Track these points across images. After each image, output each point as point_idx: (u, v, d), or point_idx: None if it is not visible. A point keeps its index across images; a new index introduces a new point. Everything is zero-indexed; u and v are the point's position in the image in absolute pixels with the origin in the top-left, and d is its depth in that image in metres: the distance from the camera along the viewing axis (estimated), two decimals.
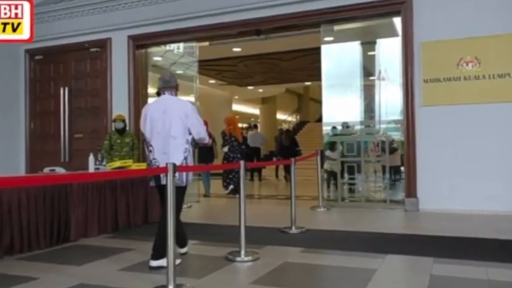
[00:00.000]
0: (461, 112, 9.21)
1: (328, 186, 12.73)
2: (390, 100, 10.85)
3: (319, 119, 16.78)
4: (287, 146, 17.80)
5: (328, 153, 12.10)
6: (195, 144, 5.87)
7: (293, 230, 7.56)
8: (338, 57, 11.43)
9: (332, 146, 11.82)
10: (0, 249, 6.05)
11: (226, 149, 13.02)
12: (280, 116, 35.37)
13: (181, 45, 12.99)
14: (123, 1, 11.96)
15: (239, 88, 27.64)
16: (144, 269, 5.35)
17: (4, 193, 6.11)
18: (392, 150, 11.77)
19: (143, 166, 8.06)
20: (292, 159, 8.35)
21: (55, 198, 6.83)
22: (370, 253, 5.99)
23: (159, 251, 5.26)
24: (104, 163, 9.03)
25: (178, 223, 5.31)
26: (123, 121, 10.42)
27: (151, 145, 5.63)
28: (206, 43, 12.94)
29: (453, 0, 9.40)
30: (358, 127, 11.28)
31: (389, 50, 10.88)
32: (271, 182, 19.40)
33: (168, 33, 11.71)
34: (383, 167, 11.24)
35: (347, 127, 11.21)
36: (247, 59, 19.51)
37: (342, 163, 11.15)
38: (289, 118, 37.42)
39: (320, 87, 11.22)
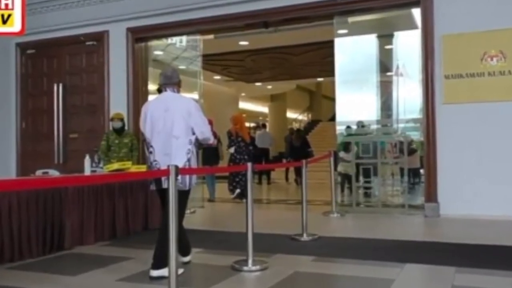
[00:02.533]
0: (485, 110, 9.18)
1: (342, 190, 12.72)
2: (408, 97, 10.83)
3: (332, 118, 16.75)
4: (298, 147, 17.80)
5: (342, 154, 12.09)
6: (199, 144, 5.86)
7: (305, 237, 7.56)
8: (353, 51, 11.40)
9: (346, 147, 11.79)
10: None
11: (232, 150, 13.03)
12: (290, 114, 35.38)
13: (184, 38, 12.97)
14: None
15: (246, 85, 27.66)
16: (144, 279, 5.35)
17: None
18: (411, 151, 11.75)
19: (143, 168, 8.07)
20: (303, 161, 8.34)
21: (48, 203, 6.84)
22: (387, 262, 5.99)
23: (160, 260, 5.26)
24: (101, 165, 9.05)
25: (180, 230, 5.30)
26: (122, 120, 10.43)
27: (151, 146, 5.64)
28: (211, 36, 12.95)
29: None
30: (374, 126, 11.27)
31: (407, 44, 10.87)
32: (281, 186, 19.43)
33: (170, 25, 11.72)
34: (401, 170, 11.19)
35: (363, 126, 11.20)
36: (255, 54, 19.52)
37: (357, 165, 11.15)
38: (300, 117, 37.43)
39: (333, 83, 11.20)
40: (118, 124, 10.35)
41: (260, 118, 34.20)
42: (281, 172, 21.01)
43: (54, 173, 8.68)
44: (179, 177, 4.83)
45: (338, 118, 11.36)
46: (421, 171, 11.60)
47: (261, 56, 20.12)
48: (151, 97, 11.27)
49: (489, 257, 6.29)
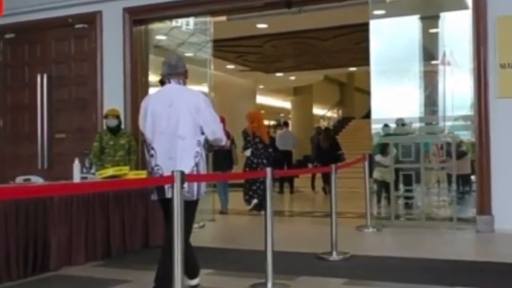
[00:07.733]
0: None
1: (379, 200, 12.73)
2: (457, 90, 10.82)
3: (367, 115, 16.76)
4: (326, 149, 17.83)
5: (378, 158, 12.08)
6: (209, 146, 5.89)
7: (334, 256, 7.57)
8: (391, 36, 11.41)
9: (383, 149, 11.79)
10: None
11: (248, 152, 13.04)
12: (317, 111, 35.35)
13: (191, 20, 13.00)
14: None
15: (265, 75, 27.66)
16: None
17: None
18: (460, 155, 11.73)
19: (142, 174, 8.11)
20: (333, 166, 8.35)
21: (31, 215, 6.86)
22: (433, 286, 6.00)
23: (163, 283, 5.28)
24: (93, 170, 9.09)
25: (187, 248, 5.32)
26: (117, 117, 10.47)
27: (153, 148, 5.66)
28: (223, 18, 12.97)
29: None
30: (416, 125, 11.24)
31: (456, 27, 10.85)
32: (306, 195, 19.46)
33: (175, 4, 11.66)
34: (449, 176, 11.17)
35: (403, 125, 11.18)
36: (276, 38, 19.52)
37: (397, 170, 11.11)
38: (329, 114, 37.38)
39: (368, 74, 11.22)
40: (113, 122, 10.38)
41: (282, 115, 34.23)
42: (306, 179, 21.03)
43: (37, 180, 8.72)
44: (186, 185, 4.85)
45: (374, 115, 11.36)
46: (472, 178, 11.58)
47: (283, 42, 20.12)
48: (152, 90, 11.31)
49: None
